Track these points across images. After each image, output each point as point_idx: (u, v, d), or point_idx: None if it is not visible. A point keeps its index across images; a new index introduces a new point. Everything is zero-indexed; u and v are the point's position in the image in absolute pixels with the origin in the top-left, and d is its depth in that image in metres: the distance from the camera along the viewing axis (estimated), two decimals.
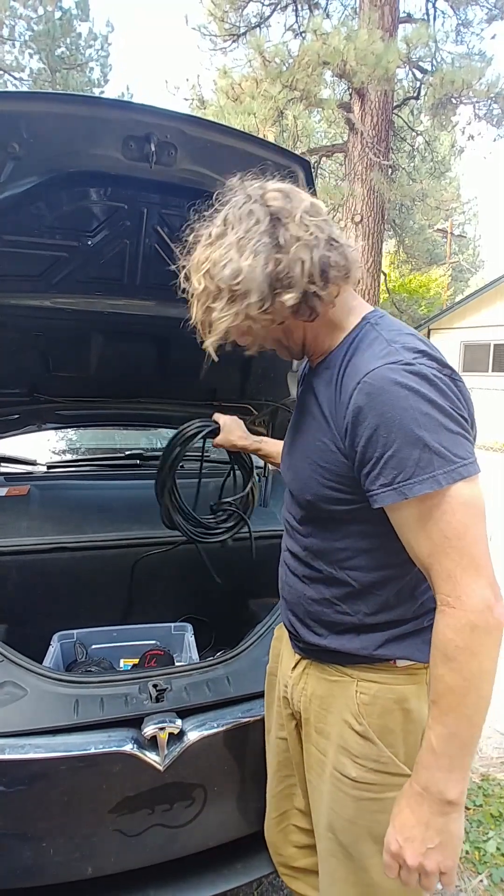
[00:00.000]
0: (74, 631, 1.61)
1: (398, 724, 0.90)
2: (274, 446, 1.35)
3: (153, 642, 1.64)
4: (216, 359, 0.86)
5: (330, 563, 0.91)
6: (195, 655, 1.52)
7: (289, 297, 0.78)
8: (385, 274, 14.38)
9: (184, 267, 0.85)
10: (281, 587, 1.05)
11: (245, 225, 0.79)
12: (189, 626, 1.66)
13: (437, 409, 0.74)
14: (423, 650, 0.83)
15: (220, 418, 1.41)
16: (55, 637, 1.58)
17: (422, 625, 0.89)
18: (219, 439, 1.39)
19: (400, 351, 0.77)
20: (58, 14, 13.84)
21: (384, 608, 0.89)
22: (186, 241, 0.85)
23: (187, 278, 0.84)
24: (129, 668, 1.59)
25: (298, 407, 0.99)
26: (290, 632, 1.03)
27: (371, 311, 0.88)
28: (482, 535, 0.74)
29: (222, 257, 0.78)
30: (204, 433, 1.42)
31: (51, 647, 1.55)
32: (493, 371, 11.62)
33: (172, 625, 1.69)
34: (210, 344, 0.84)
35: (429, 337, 12.94)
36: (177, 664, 1.47)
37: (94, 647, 1.62)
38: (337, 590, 0.91)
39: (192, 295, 0.84)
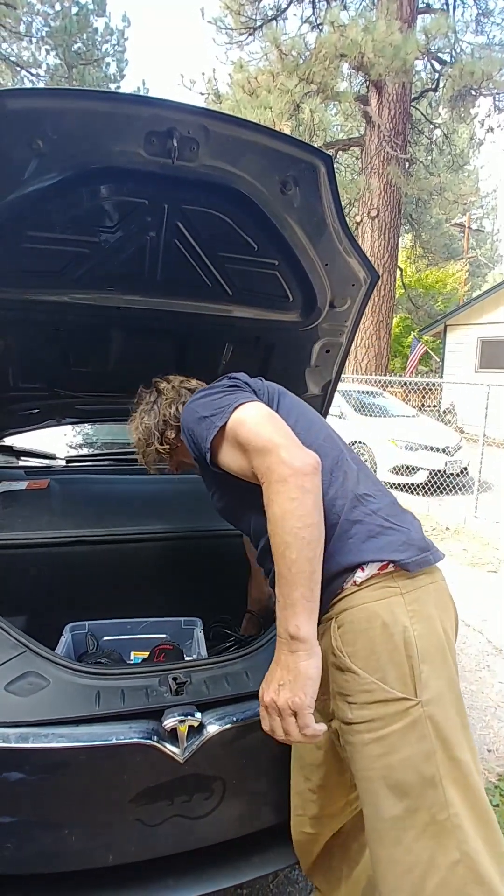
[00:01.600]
0: (86, 622, 1.63)
1: (379, 643, 0.89)
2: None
3: (163, 636, 1.66)
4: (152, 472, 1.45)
5: (266, 533, 0.99)
6: (204, 651, 1.53)
7: (171, 432, 1.32)
8: (401, 269, 14.25)
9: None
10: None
11: (146, 403, 1.39)
12: (199, 621, 1.67)
13: (206, 396, 1.10)
14: (363, 550, 0.94)
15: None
16: (67, 628, 1.60)
17: (347, 530, 0.96)
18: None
19: None
20: (74, 10, 13.89)
21: None
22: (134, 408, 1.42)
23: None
24: (139, 660, 1.61)
25: None
26: None
27: None
28: (265, 430, 0.95)
29: (139, 424, 1.36)
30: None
31: (62, 637, 1.56)
32: None
33: (182, 619, 1.70)
34: (151, 469, 1.41)
35: (445, 333, 12.77)
36: (198, 658, 1.48)
37: (105, 638, 1.64)
38: None
39: (135, 446, 1.39)
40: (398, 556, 0.93)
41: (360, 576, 0.93)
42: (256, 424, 0.97)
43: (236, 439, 0.98)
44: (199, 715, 1.09)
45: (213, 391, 1.10)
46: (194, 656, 1.56)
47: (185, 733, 1.08)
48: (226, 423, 0.99)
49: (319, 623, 0.97)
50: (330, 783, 1.12)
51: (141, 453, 1.38)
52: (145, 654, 1.61)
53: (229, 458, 1.01)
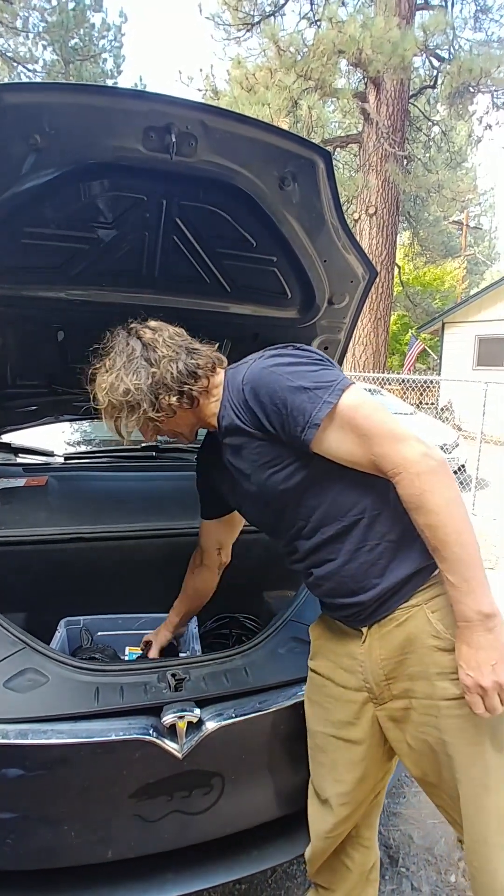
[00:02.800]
0: (81, 617, 1.64)
1: None
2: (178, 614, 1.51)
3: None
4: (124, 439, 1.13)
5: (336, 521, 1.01)
6: (198, 646, 1.54)
7: (171, 397, 1.05)
8: (399, 266, 14.24)
9: (91, 391, 1.09)
10: (321, 599, 1.12)
11: (127, 354, 1.05)
12: (193, 617, 1.67)
13: (295, 364, 0.98)
14: None
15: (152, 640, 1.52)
16: (62, 623, 1.60)
17: None
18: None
19: (257, 359, 1.04)
20: (71, 5, 13.81)
21: (397, 521, 0.99)
22: (92, 370, 1.09)
23: (95, 399, 1.07)
24: (134, 656, 1.61)
25: (228, 475, 1.16)
26: (349, 617, 1.06)
27: (227, 366, 1.13)
28: (384, 416, 0.94)
29: (116, 380, 1.03)
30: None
31: (57, 632, 1.57)
32: None
33: None
34: (126, 439, 1.12)
35: (443, 331, 12.78)
36: (197, 655, 1.48)
37: (99, 633, 1.64)
38: (355, 534, 1.01)
39: (102, 410, 1.07)
40: None
41: None
42: (376, 410, 0.94)
43: (352, 423, 0.93)
44: (197, 711, 1.10)
45: (299, 359, 1.00)
46: (188, 652, 1.56)
47: (184, 729, 1.08)
48: (337, 402, 0.93)
49: (397, 610, 1.00)
50: (368, 773, 1.11)
51: (113, 419, 1.07)
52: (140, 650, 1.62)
53: (338, 440, 0.95)
